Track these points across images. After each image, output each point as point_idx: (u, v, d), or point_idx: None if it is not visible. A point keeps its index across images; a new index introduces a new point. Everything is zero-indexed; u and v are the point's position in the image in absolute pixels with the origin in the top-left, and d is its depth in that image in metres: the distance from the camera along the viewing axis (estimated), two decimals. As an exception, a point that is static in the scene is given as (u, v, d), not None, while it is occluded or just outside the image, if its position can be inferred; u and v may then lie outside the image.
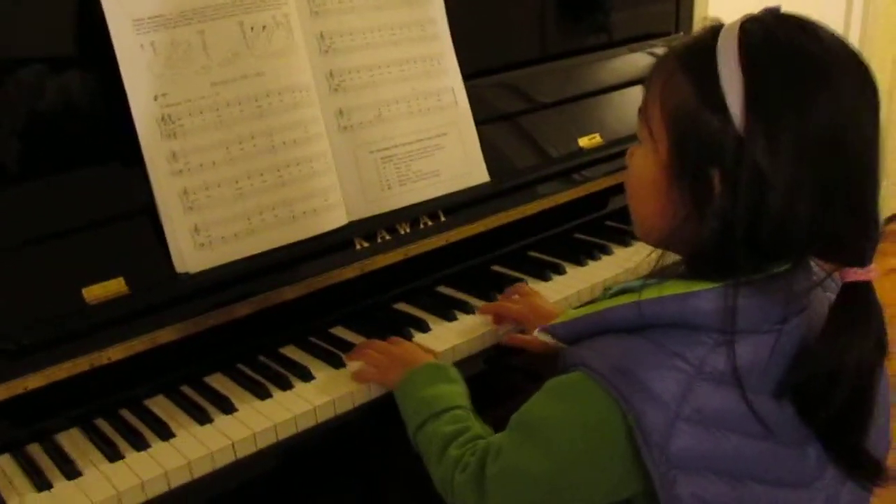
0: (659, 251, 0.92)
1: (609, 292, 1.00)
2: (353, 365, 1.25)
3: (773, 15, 0.84)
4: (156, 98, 1.21)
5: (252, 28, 1.28)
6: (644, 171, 0.90)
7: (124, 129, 1.20)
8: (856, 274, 0.83)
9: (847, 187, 0.80)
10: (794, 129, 0.78)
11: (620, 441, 0.84)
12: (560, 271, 1.54)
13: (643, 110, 0.90)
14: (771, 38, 0.81)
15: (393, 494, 1.47)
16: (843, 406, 0.83)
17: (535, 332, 1.02)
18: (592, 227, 1.72)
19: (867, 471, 0.89)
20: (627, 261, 1.56)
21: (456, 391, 1.13)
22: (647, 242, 0.94)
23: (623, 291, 0.94)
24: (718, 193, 0.82)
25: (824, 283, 0.88)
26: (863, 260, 0.83)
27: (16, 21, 1.18)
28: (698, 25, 1.85)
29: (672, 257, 0.92)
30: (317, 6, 1.36)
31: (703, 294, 0.83)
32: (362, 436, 1.26)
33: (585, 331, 0.92)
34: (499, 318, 1.36)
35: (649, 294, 0.86)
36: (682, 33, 2.01)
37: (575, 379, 0.88)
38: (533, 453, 0.90)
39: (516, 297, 1.37)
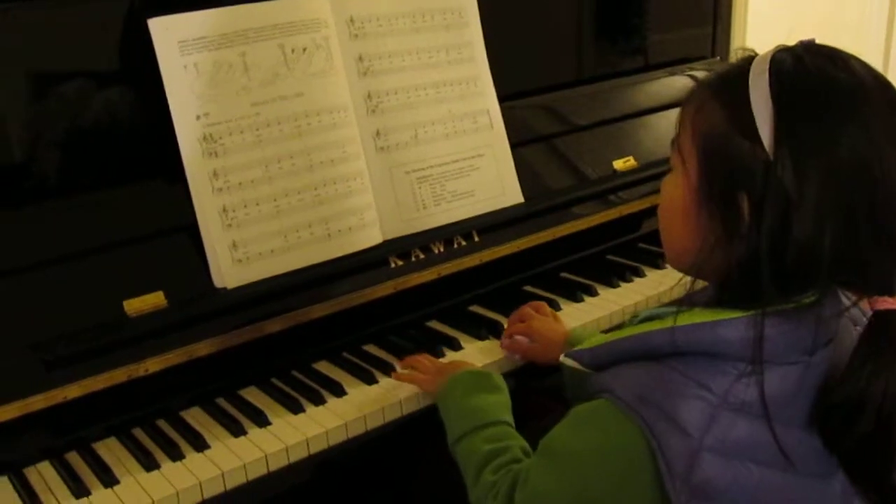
0: (689, 278, 0.92)
1: (636, 319, 1.00)
2: (388, 380, 1.28)
3: (804, 46, 0.85)
4: (198, 118, 1.24)
5: (293, 50, 1.31)
6: (674, 197, 0.91)
7: (168, 147, 1.24)
8: (885, 303, 0.83)
9: (873, 215, 0.80)
10: (822, 155, 0.79)
11: (645, 469, 0.84)
12: (592, 293, 1.55)
13: (675, 139, 0.91)
14: (800, 66, 0.82)
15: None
16: (869, 435, 0.82)
17: (561, 358, 1.02)
18: (625, 249, 1.72)
19: None
20: (660, 284, 1.56)
21: (498, 402, 1.13)
22: (678, 269, 0.94)
23: (649, 318, 0.94)
24: (746, 218, 0.82)
25: (851, 315, 0.88)
26: (890, 289, 0.82)
27: (64, 40, 1.22)
28: (735, 49, 1.85)
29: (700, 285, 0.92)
30: (356, 29, 1.39)
31: (730, 323, 0.83)
32: (393, 451, 1.27)
33: (611, 357, 0.92)
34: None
35: (671, 322, 0.85)
36: (718, 57, 2.01)
37: (600, 406, 0.88)
38: (557, 480, 0.90)
39: (522, 338, 1.35)
